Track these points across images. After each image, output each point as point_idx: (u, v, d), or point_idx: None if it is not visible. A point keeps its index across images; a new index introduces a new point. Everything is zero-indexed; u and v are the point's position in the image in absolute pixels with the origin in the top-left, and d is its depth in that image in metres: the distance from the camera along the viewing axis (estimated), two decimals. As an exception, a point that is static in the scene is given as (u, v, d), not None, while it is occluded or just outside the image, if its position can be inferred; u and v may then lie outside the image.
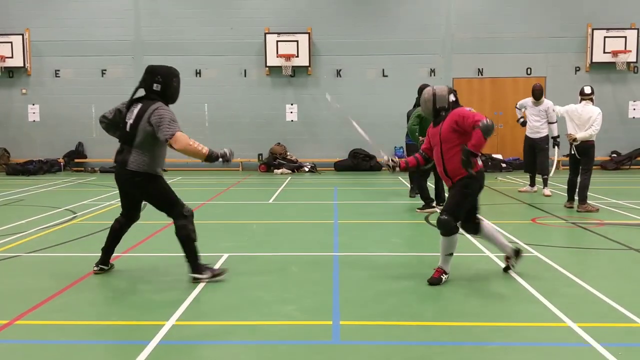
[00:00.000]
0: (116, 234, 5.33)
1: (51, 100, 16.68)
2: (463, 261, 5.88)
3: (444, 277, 5.00)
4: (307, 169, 15.98)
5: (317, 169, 16.20)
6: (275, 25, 16.32)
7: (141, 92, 5.05)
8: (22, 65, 16.59)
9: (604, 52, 15.96)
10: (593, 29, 15.99)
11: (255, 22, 16.36)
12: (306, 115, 16.61)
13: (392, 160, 5.39)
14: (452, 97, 5.08)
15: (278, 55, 16.11)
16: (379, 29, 16.35)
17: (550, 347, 3.70)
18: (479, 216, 5.26)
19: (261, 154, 16.64)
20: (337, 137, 16.53)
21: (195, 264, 5.06)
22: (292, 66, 16.26)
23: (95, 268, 5.33)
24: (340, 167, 16.38)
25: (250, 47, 16.39)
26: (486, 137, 4.68)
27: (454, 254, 5.09)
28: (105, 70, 16.66)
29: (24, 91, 16.79)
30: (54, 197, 11.05)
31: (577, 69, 16.29)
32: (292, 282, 5.10)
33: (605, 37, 15.94)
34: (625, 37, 15.91)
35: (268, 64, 16.27)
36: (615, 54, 15.90)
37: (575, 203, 8.83)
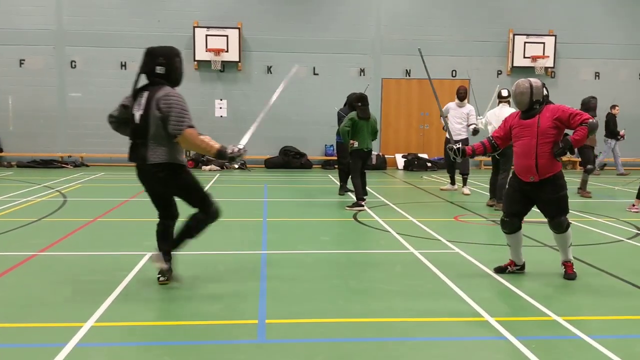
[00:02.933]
0: (164, 235, 4.87)
1: (-37, 90, 15.70)
2: (388, 258, 6.00)
3: (574, 267, 5.24)
4: (236, 166, 15.82)
5: (247, 166, 16.08)
6: (205, 19, 16.05)
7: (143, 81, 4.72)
8: None
9: (524, 57, 16.73)
10: (514, 34, 16.71)
11: (183, 15, 16.03)
12: (236, 111, 16.44)
13: (455, 145, 5.53)
14: (545, 91, 5.18)
15: (207, 50, 15.86)
16: (311, 27, 16.40)
17: (469, 342, 3.83)
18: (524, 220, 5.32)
19: (188, 150, 16.31)
20: (268, 134, 16.42)
21: (169, 252, 4.79)
22: (222, 61, 16.06)
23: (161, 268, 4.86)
24: (270, 164, 16.32)
25: (178, 40, 15.95)
26: (589, 136, 4.91)
27: None
28: (23, 60, 15.84)
29: None
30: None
31: (499, 72, 16.96)
32: (219, 281, 5.03)
33: (525, 43, 16.71)
34: (544, 43, 16.74)
35: (197, 58, 15.98)
36: (534, 58, 16.69)
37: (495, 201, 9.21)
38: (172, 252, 4.85)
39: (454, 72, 16.84)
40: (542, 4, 16.91)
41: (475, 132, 10.48)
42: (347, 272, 5.44)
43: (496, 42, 16.91)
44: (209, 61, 16.01)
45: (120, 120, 4.83)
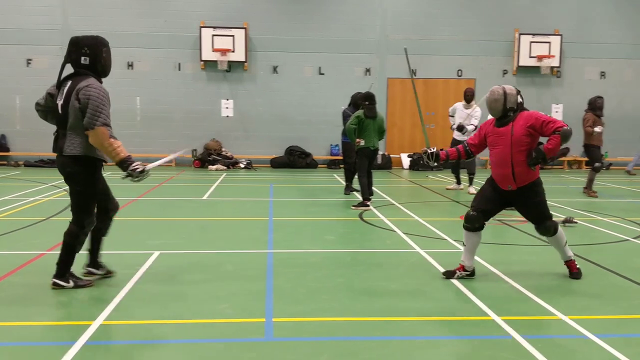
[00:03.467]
0: (93, 234, 4.81)
1: (-29, 90, 15.80)
2: (394, 257, 6.02)
3: (577, 265, 5.24)
4: (242, 166, 15.86)
5: (253, 165, 16.11)
6: (211, 19, 16.09)
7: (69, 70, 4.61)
8: (-62, 51, 15.63)
9: (530, 57, 16.69)
10: (520, 34, 16.68)
11: (190, 15, 16.07)
12: (242, 111, 16.48)
13: (429, 150, 5.42)
14: (519, 98, 5.03)
15: (214, 50, 15.90)
16: (316, 27, 16.42)
17: (475, 340, 3.84)
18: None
19: (195, 150, 16.38)
20: (274, 134, 16.51)
21: (63, 272, 4.65)
22: (228, 61, 16.09)
23: (85, 271, 4.85)
24: (276, 164, 16.35)
25: (185, 40, 16.09)
26: (562, 144, 4.78)
27: None
28: (30, 60, 15.92)
29: (-60, 79, 15.82)
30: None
31: (505, 72, 16.93)
32: (226, 280, 5.06)
33: (531, 42, 16.67)
34: (550, 42, 16.70)
35: (203, 58, 16.02)
36: (540, 58, 16.65)
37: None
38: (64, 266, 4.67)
39: (459, 71, 16.82)
40: (548, 3, 16.87)
41: (460, 128, 10.48)
42: (352, 271, 5.46)
43: (502, 42, 16.88)
44: (215, 61, 16.05)
45: (46, 109, 4.72)
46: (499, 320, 4.11)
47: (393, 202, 9.76)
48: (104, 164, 4.75)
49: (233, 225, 7.76)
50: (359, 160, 9.25)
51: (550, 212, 5.16)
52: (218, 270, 5.41)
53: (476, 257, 5.88)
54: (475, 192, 10.73)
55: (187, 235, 6.97)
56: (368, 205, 8.99)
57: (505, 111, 4.98)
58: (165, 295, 4.62)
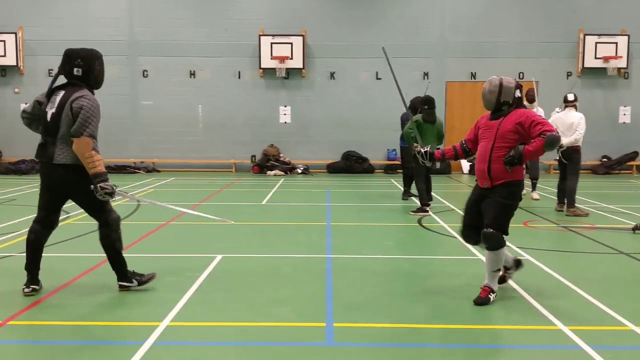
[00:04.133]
0: (36, 246, 4.75)
1: (44, 100, 16.61)
2: (454, 264, 5.93)
3: (491, 296, 4.55)
4: (300, 171, 16.01)
5: (310, 170, 16.23)
6: (270, 27, 16.34)
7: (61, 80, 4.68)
8: (15, 64, 16.52)
9: (595, 58, 16.10)
10: (585, 35, 16.13)
11: (249, 23, 16.38)
12: (299, 117, 16.64)
13: (424, 148, 5.18)
14: (518, 93, 4.65)
15: (272, 57, 16.12)
16: (373, 32, 16.40)
17: (541, 350, 3.74)
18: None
19: (254, 156, 16.65)
20: (331, 139, 16.57)
21: (122, 273, 4.82)
22: (286, 68, 16.29)
23: (27, 289, 4.71)
24: (333, 169, 16.41)
25: (244, 48, 16.40)
26: (546, 150, 4.47)
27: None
28: (98, 70, 16.59)
29: (16, 90, 16.72)
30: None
31: (569, 73, 16.40)
32: (286, 284, 5.12)
33: (596, 43, 16.08)
34: (617, 43, 16.07)
35: (262, 66, 16.28)
36: (606, 59, 16.04)
37: (565, 207, 8.94)
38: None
39: (521, 74, 16.42)
40: (614, 2, 16.23)
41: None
42: (412, 277, 5.41)
43: (565, 43, 16.37)
44: (274, 68, 16.29)
45: (33, 117, 4.74)
46: (566, 329, 3.99)
47: (453, 207, 9.61)
48: None
49: (291, 229, 7.84)
50: (417, 165, 9.16)
51: (508, 228, 4.59)
52: (278, 273, 5.48)
53: (542, 265, 5.73)
54: (538, 197, 10.46)
55: (248, 239, 7.09)
56: (427, 211, 8.89)
57: (499, 104, 4.63)
58: (228, 297, 4.72)
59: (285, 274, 5.48)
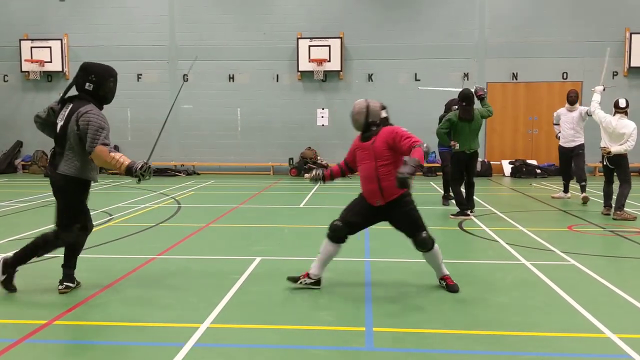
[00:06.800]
0: (73, 247, 4.94)
1: (88, 104, 17.04)
2: (499, 269, 5.81)
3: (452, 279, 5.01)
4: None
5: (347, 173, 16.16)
6: (308, 30, 16.40)
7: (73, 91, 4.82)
8: (60, 69, 17.03)
9: (643, 57, 15.62)
10: (631, 33, 15.66)
11: (287, 27, 16.47)
12: (337, 119, 16.63)
13: (315, 171, 5.52)
14: (384, 113, 4.95)
15: (310, 60, 16.18)
16: (411, 33, 16.28)
17: (589, 358, 3.62)
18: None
19: (292, 158, 16.71)
20: (369, 142, 16.49)
21: (14, 264, 4.87)
22: (324, 71, 16.31)
23: (61, 287, 4.88)
24: (371, 171, 16.30)
25: (282, 52, 16.50)
26: (425, 159, 4.63)
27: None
28: (141, 74, 16.96)
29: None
30: (89, 199, 11.23)
31: (615, 73, 15.94)
32: (324, 287, 5.10)
33: (644, 41, 15.60)
34: (665, 41, 15.55)
35: (300, 69, 16.35)
36: (654, 58, 15.54)
37: (612, 210, 8.67)
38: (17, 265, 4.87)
39: (564, 74, 16.05)
40: (664, -2, 15.73)
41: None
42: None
43: (611, 42, 15.87)
44: (312, 71, 16.32)
45: (46, 123, 4.86)
46: (614, 337, 3.85)
47: (495, 211, 9.43)
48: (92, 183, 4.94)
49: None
50: (452, 165, 8.87)
51: (425, 224, 4.86)
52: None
53: (588, 270, 5.56)
54: (589, 198, 10.15)
55: (286, 242, 7.11)
56: (468, 215, 8.71)
57: (368, 125, 4.90)
58: (267, 300, 4.73)
59: (324, 277, 5.44)
